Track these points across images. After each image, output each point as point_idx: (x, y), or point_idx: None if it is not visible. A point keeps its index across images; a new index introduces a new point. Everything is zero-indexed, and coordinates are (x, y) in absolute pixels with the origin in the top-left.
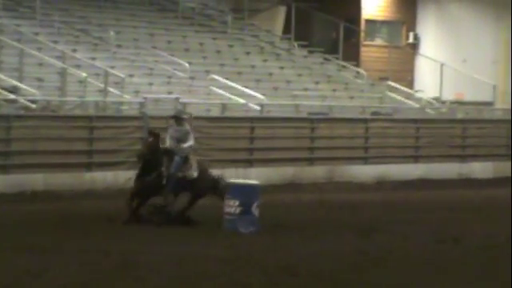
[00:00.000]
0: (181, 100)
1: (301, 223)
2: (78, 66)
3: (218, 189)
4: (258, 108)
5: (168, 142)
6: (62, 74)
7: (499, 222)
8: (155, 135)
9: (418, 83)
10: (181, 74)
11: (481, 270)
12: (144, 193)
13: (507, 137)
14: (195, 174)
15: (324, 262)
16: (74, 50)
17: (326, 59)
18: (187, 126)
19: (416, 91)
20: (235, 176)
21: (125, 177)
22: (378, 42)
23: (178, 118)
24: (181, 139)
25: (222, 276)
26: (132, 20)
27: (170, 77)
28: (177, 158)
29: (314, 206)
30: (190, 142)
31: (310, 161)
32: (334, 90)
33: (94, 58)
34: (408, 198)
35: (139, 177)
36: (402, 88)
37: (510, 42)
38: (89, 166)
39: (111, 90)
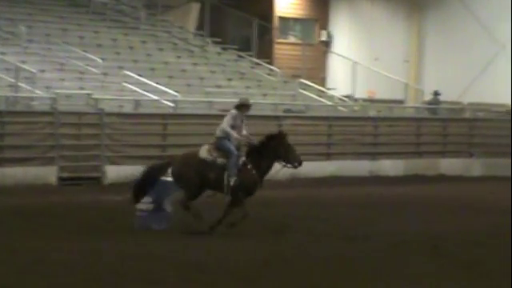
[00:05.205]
0: (93, 96)
1: (213, 220)
2: None
3: None
4: (171, 104)
5: (231, 131)
6: None
7: (408, 219)
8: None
9: (331, 81)
10: (93, 70)
11: (390, 267)
12: None
13: (417, 134)
14: None
15: (235, 259)
16: None
17: (239, 56)
18: None
19: (328, 89)
20: None
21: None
22: (291, 39)
23: (246, 106)
24: (237, 129)
25: (133, 272)
26: (43, 15)
27: (82, 72)
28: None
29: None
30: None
31: None
32: (247, 87)
33: (4, 53)
34: (320, 195)
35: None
36: (315, 86)
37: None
38: None
39: (22, 85)
